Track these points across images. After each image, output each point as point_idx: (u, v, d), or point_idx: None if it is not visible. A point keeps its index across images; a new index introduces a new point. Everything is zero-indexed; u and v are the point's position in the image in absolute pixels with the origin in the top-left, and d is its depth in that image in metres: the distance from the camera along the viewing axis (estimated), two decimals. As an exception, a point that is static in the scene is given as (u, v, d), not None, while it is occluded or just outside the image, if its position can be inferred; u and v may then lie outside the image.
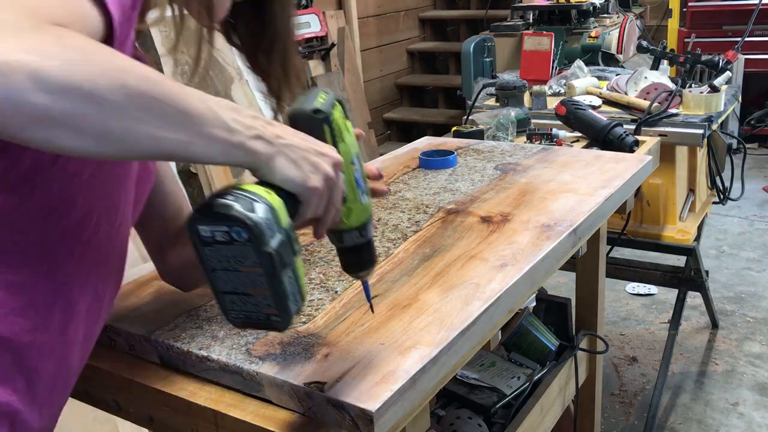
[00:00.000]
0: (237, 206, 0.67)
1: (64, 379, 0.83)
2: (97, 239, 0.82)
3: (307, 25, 4.03)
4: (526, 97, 2.30)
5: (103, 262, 0.85)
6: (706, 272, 2.42)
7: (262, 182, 0.71)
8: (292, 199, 0.72)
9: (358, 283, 1.06)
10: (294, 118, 0.77)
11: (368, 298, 0.88)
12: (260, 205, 0.67)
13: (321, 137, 0.76)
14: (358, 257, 0.84)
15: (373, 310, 0.91)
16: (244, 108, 0.70)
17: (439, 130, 4.63)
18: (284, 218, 0.69)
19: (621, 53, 3.61)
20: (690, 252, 2.26)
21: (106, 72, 0.59)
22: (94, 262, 0.83)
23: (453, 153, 1.66)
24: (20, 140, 0.58)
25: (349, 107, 0.80)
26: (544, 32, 2.91)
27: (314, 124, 0.77)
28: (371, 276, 0.87)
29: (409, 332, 0.92)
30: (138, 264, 1.16)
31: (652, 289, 3.18)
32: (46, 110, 0.56)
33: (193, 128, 0.64)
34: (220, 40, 0.90)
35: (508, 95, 2.20)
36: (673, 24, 4.74)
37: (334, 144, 0.78)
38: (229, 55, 3.31)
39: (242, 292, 0.71)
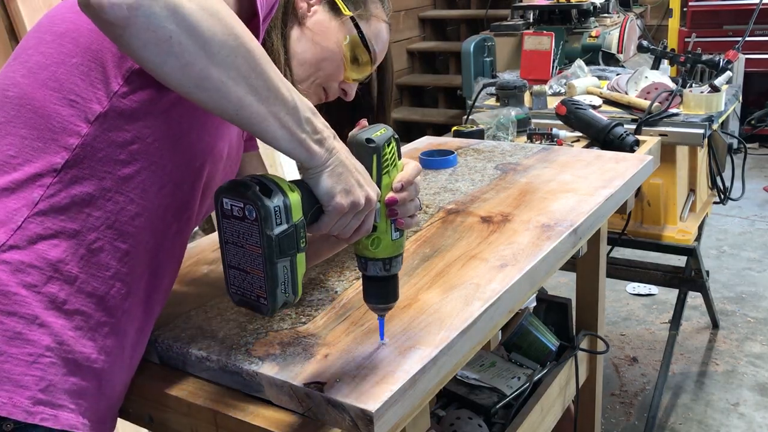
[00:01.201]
0: (256, 189, 0.74)
1: (141, 348, 0.91)
2: (192, 214, 0.90)
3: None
4: (527, 96, 2.30)
5: (185, 241, 0.93)
6: (707, 272, 2.41)
7: (301, 181, 0.80)
8: (318, 205, 0.80)
9: (359, 282, 1.07)
10: (350, 144, 0.84)
11: (381, 334, 0.90)
12: (277, 195, 0.75)
13: (368, 165, 0.84)
14: (378, 289, 0.88)
15: (383, 338, 0.91)
16: (320, 115, 0.79)
17: (439, 130, 4.63)
18: (297, 214, 0.76)
19: (621, 53, 3.60)
20: (690, 252, 2.26)
21: (228, 32, 0.68)
22: (184, 240, 0.92)
23: (453, 153, 1.66)
24: (137, 56, 0.67)
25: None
26: (545, 32, 2.90)
27: (365, 152, 0.84)
28: (387, 311, 0.89)
29: (409, 332, 0.92)
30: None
31: (653, 289, 3.17)
32: (169, 38, 0.65)
33: (273, 108, 0.73)
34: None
35: (508, 95, 2.20)
36: (674, 24, 4.74)
37: (379, 174, 0.85)
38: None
39: (243, 269, 0.78)
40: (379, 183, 0.85)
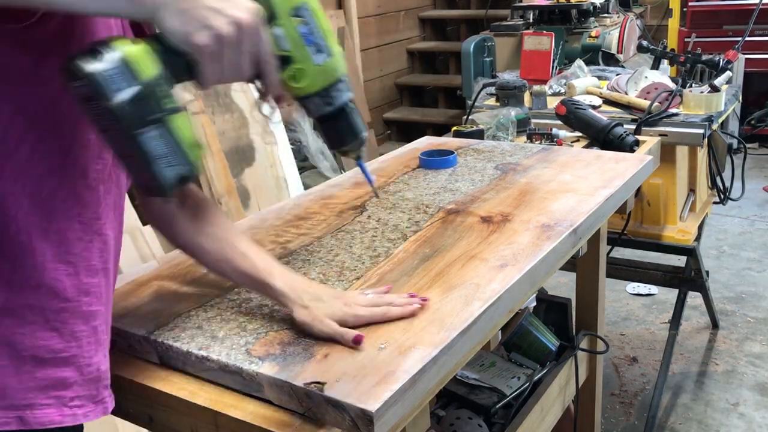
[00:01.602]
0: (79, 59, 0.61)
1: (108, 319, 0.91)
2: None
3: (307, 25, 4.02)
4: (527, 96, 2.30)
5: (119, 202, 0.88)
6: (707, 272, 2.41)
7: (155, 36, 0.65)
8: (187, 56, 0.65)
9: (359, 282, 1.06)
10: None
11: (368, 179, 0.76)
12: (109, 56, 0.60)
13: None
14: (332, 129, 0.75)
15: (377, 195, 0.80)
16: None
17: (439, 130, 4.63)
18: (148, 69, 0.62)
19: (621, 53, 3.60)
20: (690, 252, 2.26)
21: None
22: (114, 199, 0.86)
23: (453, 153, 1.66)
24: None
25: None
26: (545, 32, 2.90)
27: None
28: (361, 152, 0.77)
29: (409, 332, 0.92)
30: (138, 264, 1.16)
31: (653, 289, 3.17)
32: None
33: None
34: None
35: (508, 95, 2.20)
36: (674, 24, 4.74)
37: None
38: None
39: (125, 154, 0.66)
40: (269, 1, 0.69)
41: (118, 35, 0.65)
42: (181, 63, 0.65)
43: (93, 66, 0.60)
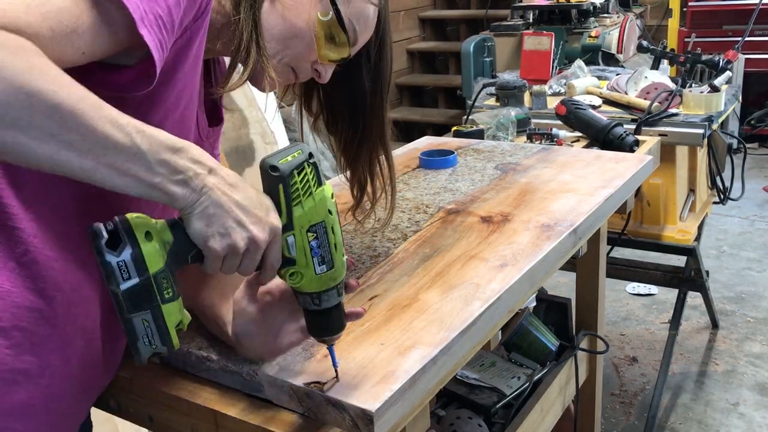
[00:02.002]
0: (102, 242, 0.69)
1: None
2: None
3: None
4: (526, 96, 2.30)
5: None
6: (707, 272, 2.41)
7: (172, 223, 0.73)
8: (197, 248, 0.73)
9: (359, 282, 1.07)
10: (260, 171, 0.77)
11: (334, 363, 0.83)
12: (126, 247, 0.69)
13: (275, 196, 0.76)
14: (314, 322, 0.82)
15: (338, 377, 0.84)
16: (195, 151, 0.71)
17: (439, 130, 4.63)
18: (154, 265, 0.70)
19: (621, 53, 3.61)
20: (690, 252, 2.26)
21: (14, 91, 0.61)
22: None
23: (453, 153, 1.66)
24: None
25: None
26: (544, 32, 2.90)
27: (270, 181, 0.76)
28: (334, 342, 0.83)
29: (409, 332, 0.92)
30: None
31: (653, 289, 3.17)
32: None
33: (104, 159, 0.66)
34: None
35: (508, 95, 2.20)
36: (674, 24, 4.74)
37: (288, 205, 0.76)
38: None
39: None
40: (290, 215, 0.76)
41: (144, 218, 0.71)
42: (188, 251, 0.73)
43: (111, 256, 0.69)
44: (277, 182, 0.75)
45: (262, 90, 0.92)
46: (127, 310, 0.70)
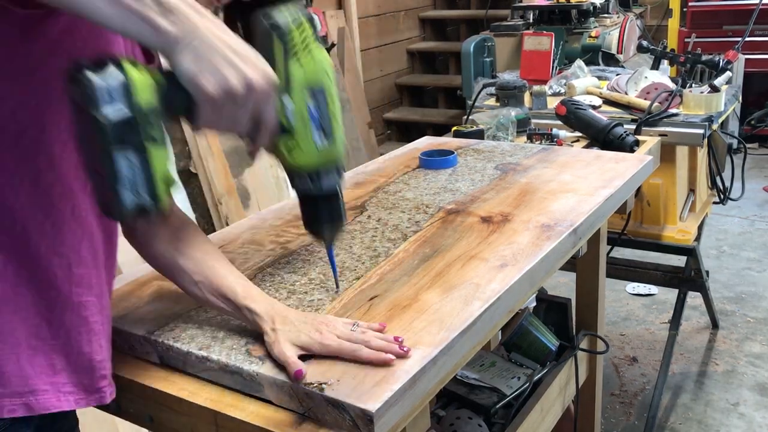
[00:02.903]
0: (86, 69, 0.62)
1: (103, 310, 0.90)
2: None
3: (307, 24, 4.02)
4: (526, 97, 2.30)
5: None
6: (707, 272, 2.41)
7: (164, 72, 0.67)
8: (189, 96, 0.66)
9: (359, 282, 1.06)
10: (253, 27, 0.70)
11: (333, 269, 0.75)
12: (113, 73, 0.62)
13: (269, 51, 0.68)
14: (312, 210, 0.75)
15: (338, 286, 0.78)
16: None
17: (439, 130, 4.63)
18: (144, 97, 0.63)
19: (621, 53, 3.61)
20: (690, 252, 2.26)
21: None
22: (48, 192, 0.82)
23: (453, 153, 1.66)
24: None
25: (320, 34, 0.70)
26: (545, 32, 2.90)
27: (264, 35, 0.68)
28: (334, 238, 0.75)
29: (409, 332, 0.92)
30: (138, 264, 1.16)
31: (653, 289, 3.17)
32: None
33: None
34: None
35: (508, 95, 2.20)
36: (674, 24, 4.74)
37: (286, 61, 0.68)
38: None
39: (95, 169, 0.66)
40: (287, 72, 0.69)
41: (129, 56, 0.66)
42: (180, 101, 0.66)
43: (94, 76, 0.61)
44: (272, 34, 0.68)
45: None
46: (111, 142, 0.62)
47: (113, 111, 0.62)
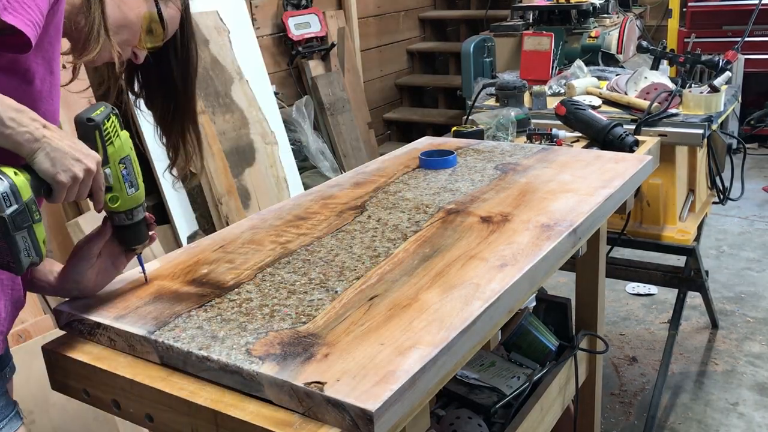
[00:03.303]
0: None
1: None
2: None
3: (307, 25, 4.03)
4: (526, 97, 2.30)
5: None
6: (706, 272, 2.42)
7: (26, 167, 0.91)
8: (48, 185, 0.93)
9: (359, 282, 1.07)
10: (76, 124, 1.00)
11: (142, 268, 1.15)
12: (4, 183, 0.88)
13: (93, 139, 1.00)
14: (128, 235, 1.09)
15: (146, 279, 1.15)
16: (32, 113, 0.91)
17: (439, 130, 4.64)
18: (26, 194, 0.90)
19: (621, 53, 3.61)
20: (690, 252, 2.26)
21: None
22: None
23: (453, 153, 1.66)
24: None
25: (120, 121, 1.04)
26: (544, 32, 2.90)
27: (87, 130, 1.00)
28: (142, 250, 1.12)
29: (409, 332, 0.92)
30: (137, 265, 1.16)
31: (652, 289, 3.18)
32: None
33: None
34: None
35: (508, 95, 2.20)
36: (673, 24, 4.74)
37: (103, 146, 1.01)
38: (229, 55, 3.32)
39: None
40: (105, 152, 1.01)
41: (6, 166, 0.90)
42: (43, 188, 0.92)
43: None
44: (93, 129, 1.00)
45: (94, 65, 1.11)
46: (12, 229, 0.89)
47: (12, 209, 0.88)
